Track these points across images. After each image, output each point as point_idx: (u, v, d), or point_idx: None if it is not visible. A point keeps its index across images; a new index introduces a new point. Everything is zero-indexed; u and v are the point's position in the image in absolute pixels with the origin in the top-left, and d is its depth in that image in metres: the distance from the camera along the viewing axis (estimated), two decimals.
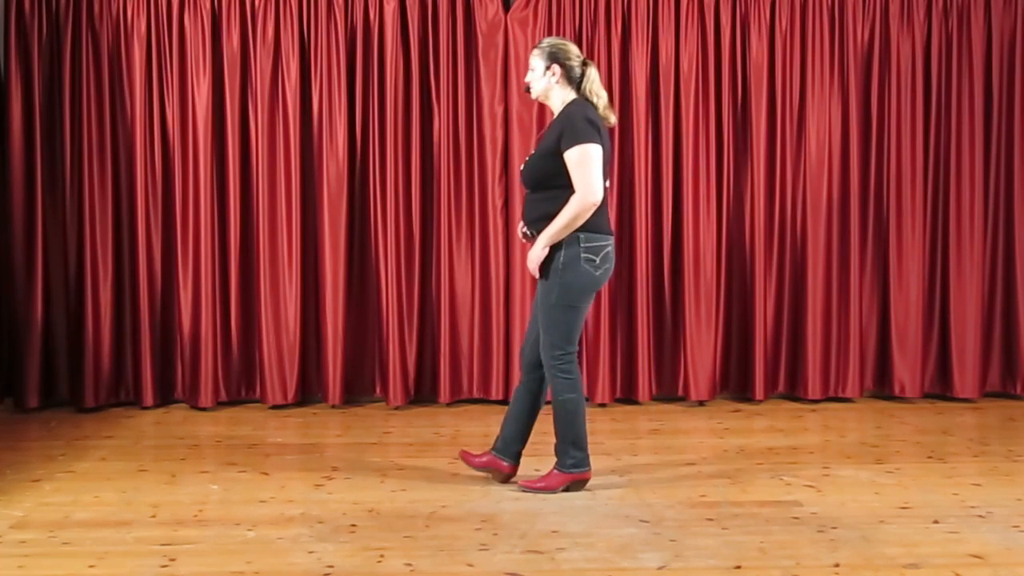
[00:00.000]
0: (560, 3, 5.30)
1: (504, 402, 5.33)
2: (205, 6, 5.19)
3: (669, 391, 5.47)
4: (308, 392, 5.40)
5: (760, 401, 5.41)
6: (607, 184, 3.61)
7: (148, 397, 5.23)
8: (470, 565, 2.97)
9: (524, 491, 3.72)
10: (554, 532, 3.25)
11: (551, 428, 3.73)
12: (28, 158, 5.16)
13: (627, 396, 5.40)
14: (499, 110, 5.29)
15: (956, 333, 5.48)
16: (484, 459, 3.88)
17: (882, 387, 5.57)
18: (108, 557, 3.04)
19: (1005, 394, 5.61)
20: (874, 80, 5.43)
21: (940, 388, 5.56)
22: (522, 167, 3.74)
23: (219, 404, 5.31)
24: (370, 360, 5.39)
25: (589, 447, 3.73)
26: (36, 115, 5.15)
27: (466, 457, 3.95)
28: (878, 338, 5.56)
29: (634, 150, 5.29)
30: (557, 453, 3.73)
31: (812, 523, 3.35)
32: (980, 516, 3.43)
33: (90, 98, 5.17)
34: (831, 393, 5.46)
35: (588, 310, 3.71)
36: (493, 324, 5.33)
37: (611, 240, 3.62)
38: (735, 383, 5.51)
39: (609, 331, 5.32)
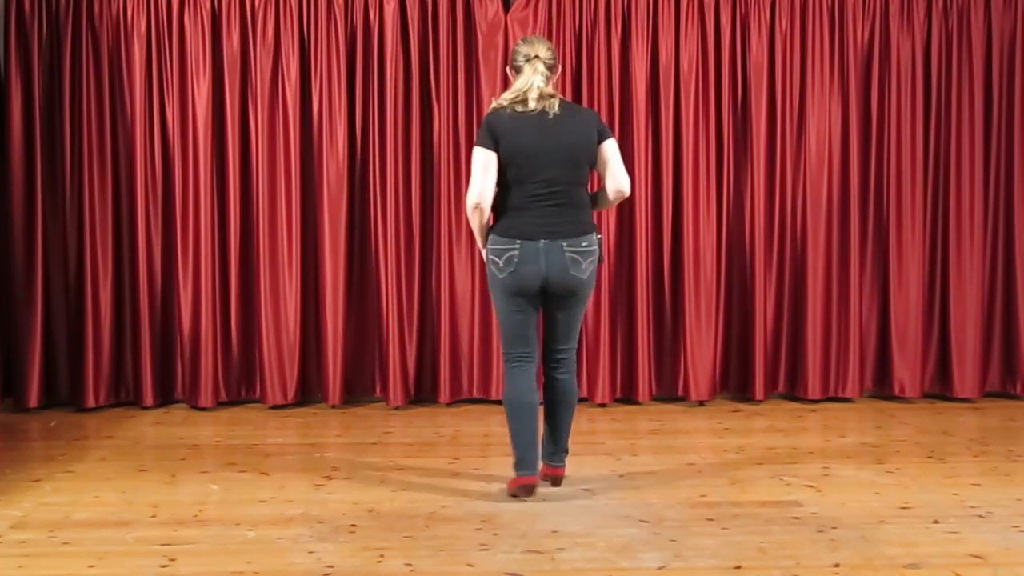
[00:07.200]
0: (560, 3, 5.30)
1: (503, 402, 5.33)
2: (205, 6, 5.19)
3: (669, 391, 5.46)
4: (308, 392, 5.39)
5: (760, 401, 5.41)
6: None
7: (148, 397, 5.23)
8: (470, 565, 2.97)
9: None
10: (554, 532, 3.25)
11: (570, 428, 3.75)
12: (28, 158, 5.16)
13: (627, 396, 5.40)
14: None
15: (956, 333, 5.47)
16: None
17: (882, 387, 5.57)
18: (108, 557, 3.04)
19: (1005, 394, 5.60)
20: (874, 80, 5.42)
21: (940, 388, 5.56)
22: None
23: (219, 404, 5.30)
24: (370, 360, 5.39)
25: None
26: (36, 115, 5.15)
27: None
28: (878, 338, 5.55)
29: (634, 150, 5.28)
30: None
31: (812, 523, 3.35)
32: (980, 516, 3.43)
33: (90, 98, 5.17)
34: (831, 393, 5.45)
35: (521, 312, 3.55)
36: (493, 324, 5.32)
37: (518, 244, 3.46)
38: (735, 383, 5.51)
39: (609, 331, 5.32)
